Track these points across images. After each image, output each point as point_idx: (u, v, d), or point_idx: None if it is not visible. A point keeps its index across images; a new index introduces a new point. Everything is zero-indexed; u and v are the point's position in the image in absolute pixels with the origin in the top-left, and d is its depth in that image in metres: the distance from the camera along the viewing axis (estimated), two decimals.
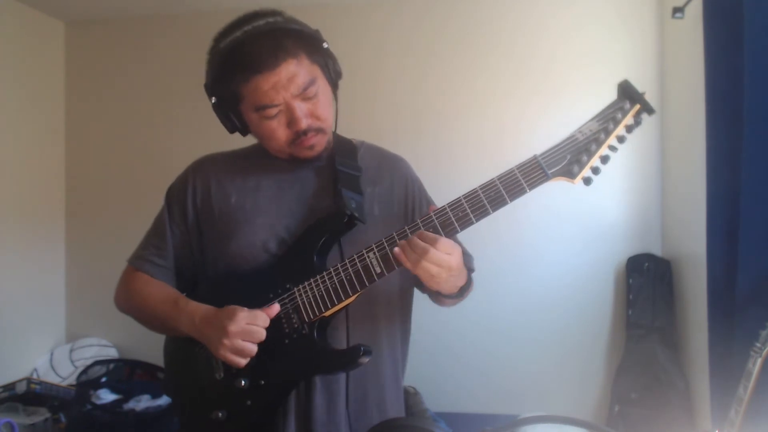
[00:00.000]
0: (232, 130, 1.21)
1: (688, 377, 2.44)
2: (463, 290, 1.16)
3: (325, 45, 1.17)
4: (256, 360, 1.11)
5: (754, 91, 1.56)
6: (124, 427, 2.53)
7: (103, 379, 2.78)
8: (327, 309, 1.10)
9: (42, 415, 2.61)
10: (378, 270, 1.06)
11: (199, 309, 1.15)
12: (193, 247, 1.25)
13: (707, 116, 1.82)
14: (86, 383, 2.76)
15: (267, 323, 1.08)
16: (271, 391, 1.13)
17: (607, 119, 0.99)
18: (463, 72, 2.89)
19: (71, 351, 3.10)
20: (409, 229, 1.05)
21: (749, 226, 1.60)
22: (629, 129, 1.00)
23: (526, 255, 2.82)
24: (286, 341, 1.12)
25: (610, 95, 1.01)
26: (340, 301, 1.09)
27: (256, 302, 1.12)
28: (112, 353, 3.12)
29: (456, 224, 1.03)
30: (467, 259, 1.29)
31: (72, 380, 2.92)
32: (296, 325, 1.11)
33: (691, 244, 2.35)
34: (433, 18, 2.93)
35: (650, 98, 1.01)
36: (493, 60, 2.87)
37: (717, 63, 1.77)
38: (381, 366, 1.23)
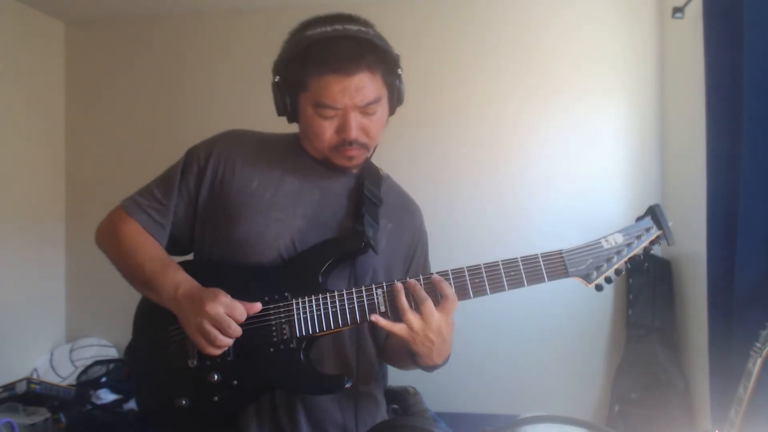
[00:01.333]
0: (281, 113, 1.19)
1: (688, 377, 2.44)
2: (435, 368, 1.16)
3: (400, 71, 1.18)
4: (235, 359, 1.09)
5: (754, 92, 1.56)
6: (124, 427, 2.53)
7: (103, 379, 2.78)
8: (322, 331, 1.08)
9: (42, 415, 2.60)
10: (383, 309, 1.07)
11: (185, 281, 1.11)
12: (197, 214, 1.21)
13: (707, 116, 1.82)
14: (86, 383, 2.76)
15: (243, 318, 1.05)
16: (241, 393, 1.11)
17: (632, 236, 1.09)
18: (463, 72, 2.89)
19: (71, 351, 3.10)
20: (423, 278, 1.06)
21: (748, 226, 1.60)
22: (646, 251, 1.10)
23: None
24: (272, 350, 1.09)
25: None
26: (337, 327, 1.08)
27: (247, 297, 1.08)
28: (112, 353, 3.12)
29: (470, 290, 1.06)
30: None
31: (72, 380, 2.92)
32: (285, 337, 1.09)
33: (691, 244, 2.35)
34: (433, 18, 2.93)
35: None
36: (493, 60, 2.87)
37: (717, 63, 1.77)
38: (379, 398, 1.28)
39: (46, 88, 3.20)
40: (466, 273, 1.06)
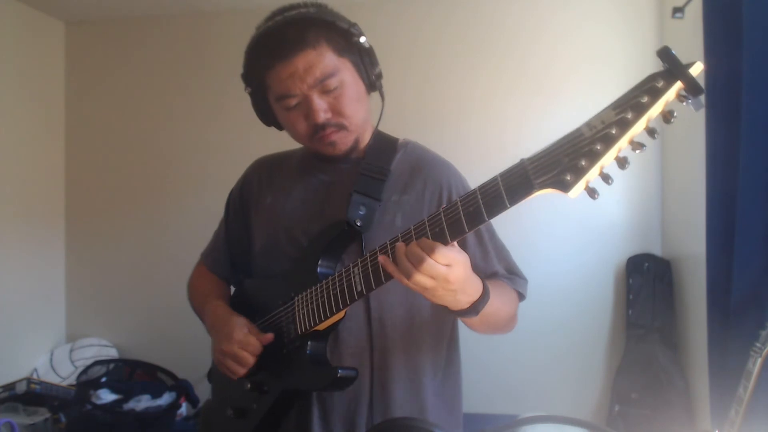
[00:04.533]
0: (267, 123, 1.21)
1: (688, 377, 2.44)
2: (477, 307, 0.98)
3: (361, 39, 1.12)
4: (264, 364, 1.12)
5: (753, 92, 1.56)
6: (124, 427, 2.53)
7: (103, 379, 2.78)
8: (317, 323, 1.05)
9: (42, 415, 2.60)
10: (359, 288, 0.97)
11: (215, 311, 1.21)
12: (242, 244, 1.30)
13: (707, 116, 1.82)
14: (86, 383, 2.76)
15: (258, 351, 1.09)
16: (271, 399, 1.12)
17: (626, 106, 0.69)
18: (463, 72, 2.89)
19: (71, 351, 3.10)
20: (389, 244, 0.93)
21: (748, 226, 1.60)
22: (667, 118, 0.70)
23: (525, 255, 2.79)
24: (284, 351, 1.12)
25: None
26: (327, 316, 1.03)
27: (269, 306, 1.16)
28: (112, 353, 3.12)
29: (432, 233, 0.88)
30: (518, 282, 1.22)
31: (72, 380, 2.92)
32: (292, 337, 1.10)
33: (690, 244, 2.35)
34: (434, 18, 2.93)
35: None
36: (494, 60, 2.87)
37: (717, 63, 1.77)
38: (412, 394, 1.15)
39: (46, 88, 3.20)
40: (426, 223, 0.89)
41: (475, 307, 0.97)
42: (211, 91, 3.06)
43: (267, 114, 1.18)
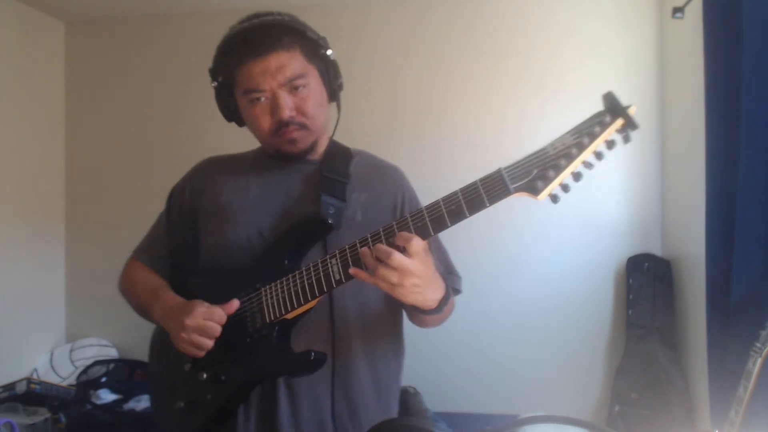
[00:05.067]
0: (228, 118, 1.27)
1: (688, 377, 2.44)
2: (442, 305, 1.08)
3: (328, 52, 1.21)
4: (219, 355, 1.13)
5: (754, 92, 1.56)
6: (124, 427, 2.53)
7: (103, 379, 2.78)
8: (287, 311, 1.11)
9: (42, 415, 2.60)
10: (337, 277, 1.05)
11: (169, 300, 1.20)
12: (187, 241, 1.30)
13: (707, 116, 1.82)
14: (86, 383, 2.76)
15: (224, 320, 1.10)
16: (231, 388, 1.15)
17: (582, 133, 0.91)
18: (462, 72, 2.89)
19: (71, 351, 3.10)
20: (371, 237, 1.02)
21: (747, 226, 1.60)
22: (609, 145, 0.91)
23: (526, 255, 2.82)
24: (248, 340, 1.14)
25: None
26: (299, 304, 1.09)
27: (227, 299, 1.14)
28: (112, 353, 3.12)
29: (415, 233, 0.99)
30: (454, 280, 1.30)
31: (72, 380, 2.92)
32: (258, 325, 1.14)
33: (690, 244, 2.35)
34: (432, 18, 2.93)
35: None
36: (493, 60, 2.87)
37: (717, 63, 1.77)
38: (373, 380, 1.24)
39: (46, 88, 3.20)
40: (409, 218, 1.00)
41: (440, 306, 1.08)
42: (211, 91, 3.06)
43: (230, 108, 1.25)
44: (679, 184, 2.55)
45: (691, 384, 2.42)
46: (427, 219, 0.98)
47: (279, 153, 1.23)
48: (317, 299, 1.10)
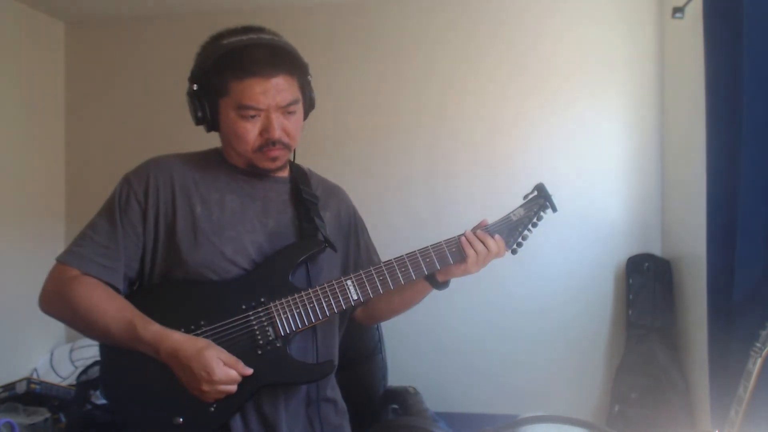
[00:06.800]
0: (199, 122, 1.25)
1: (688, 377, 2.44)
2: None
3: (309, 78, 1.28)
4: None
5: (754, 91, 1.56)
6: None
7: None
8: (304, 326, 1.20)
9: (42, 415, 2.60)
10: (355, 297, 1.22)
11: (164, 340, 1.11)
12: (147, 249, 1.22)
13: (707, 116, 1.82)
14: (86, 383, 2.75)
15: (239, 381, 1.13)
16: (239, 399, 1.16)
17: (531, 209, 1.33)
18: (460, 72, 2.89)
19: (71, 351, 3.10)
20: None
21: (748, 226, 1.60)
22: (539, 219, 1.34)
23: (525, 255, 2.80)
24: (260, 352, 1.18)
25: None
26: (317, 320, 1.20)
27: (224, 311, 1.18)
28: None
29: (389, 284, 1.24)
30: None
31: (72, 380, 2.91)
32: (270, 338, 1.18)
33: (690, 244, 2.35)
34: (432, 17, 2.93)
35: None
36: (491, 60, 2.87)
37: (717, 63, 1.77)
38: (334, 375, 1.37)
39: (46, 88, 3.19)
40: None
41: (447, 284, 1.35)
42: None
43: (205, 113, 1.22)
44: (679, 184, 2.55)
45: (691, 384, 2.42)
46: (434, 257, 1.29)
47: (253, 168, 1.25)
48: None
